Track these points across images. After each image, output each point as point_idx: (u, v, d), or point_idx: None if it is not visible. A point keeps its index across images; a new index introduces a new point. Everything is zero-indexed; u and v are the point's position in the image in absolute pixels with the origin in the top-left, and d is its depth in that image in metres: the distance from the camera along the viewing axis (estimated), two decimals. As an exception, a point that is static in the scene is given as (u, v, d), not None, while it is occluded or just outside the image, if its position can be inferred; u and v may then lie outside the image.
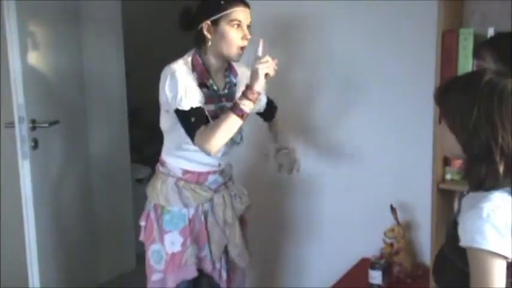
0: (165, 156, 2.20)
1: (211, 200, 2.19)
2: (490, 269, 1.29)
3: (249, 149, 2.64)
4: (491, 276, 1.29)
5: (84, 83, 3.29)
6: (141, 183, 3.91)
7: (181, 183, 2.14)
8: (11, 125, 2.81)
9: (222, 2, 1.99)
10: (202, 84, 2.06)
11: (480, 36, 2.06)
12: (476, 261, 1.31)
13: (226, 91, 2.14)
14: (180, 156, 2.14)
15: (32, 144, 2.73)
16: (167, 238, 2.15)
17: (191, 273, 2.17)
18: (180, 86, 1.97)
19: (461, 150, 1.39)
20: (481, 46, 1.86)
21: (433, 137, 2.09)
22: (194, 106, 1.98)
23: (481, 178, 1.35)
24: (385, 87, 2.52)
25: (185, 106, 1.97)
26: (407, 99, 2.47)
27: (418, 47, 2.38)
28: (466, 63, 2.03)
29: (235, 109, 1.94)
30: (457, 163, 2.09)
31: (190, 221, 2.16)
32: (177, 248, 2.15)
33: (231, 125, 1.95)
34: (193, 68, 2.05)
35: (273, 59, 1.95)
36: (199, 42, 2.08)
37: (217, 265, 2.24)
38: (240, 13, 2.01)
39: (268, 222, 2.90)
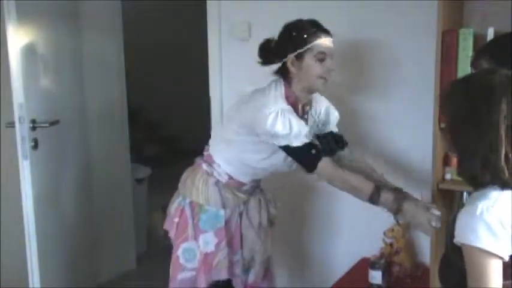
0: (218, 159, 2.16)
1: (246, 202, 2.21)
2: (484, 267, 1.29)
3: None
4: (485, 274, 1.29)
5: (84, 83, 3.29)
6: (141, 183, 3.92)
7: (221, 184, 2.15)
8: (11, 125, 2.81)
9: (305, 36, 1.97)
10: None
11: (480, 36, 2.07)
12: (470, 259, 1.31)
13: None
14: (237, 167, 2.14)
15: (32, 144, 2.73)
16: (202, 238, 2.15)
17: (223, 275, 2.18)
18: (294, 124, 1.95)
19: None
20: (476, 55, 1.86)
21: (433, 137, 2.09)
22: (308, 142, 1.99)
23: (474, 174, 1.37)
24: (384, 87, 2.52)
25: (299, 143, 1.97)
26: (407, 98, 2.47)
27: (418, 47, 2.38)
28: (466, 63, 2.03)
29: (375, 195, 1.93)
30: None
31: (226, 222, 2.17)
32: (211, 248, 2.16)
33: (357, 192, 1.99)
34: (287, 99, 2.03)
35: None
36: (284, 74, 2.05)
37: (245, 268, 2.26)
38: (323, 44, 1.99)
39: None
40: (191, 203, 2.17)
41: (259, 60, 2.07)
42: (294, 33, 2.00)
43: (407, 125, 2.49)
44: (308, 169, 2.00)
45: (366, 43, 2.53)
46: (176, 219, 2.20)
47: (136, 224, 3.74)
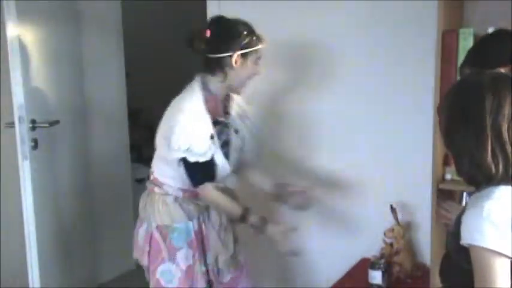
0: (162, 178, 2.18)
1: (208, 207, 2.22)
2: (491, 267, 1.29)
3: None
4: (492, 274, 1.29)
5: (84, 83, 3.30)
6: (141, 183, 3.92)
7: (180, 199, 2.16)
8: (11, 125, 2.81)
9: (254, 38, 2.05)
10: (215, 122, 2.08)
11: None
12: (477, 260, 1.31)
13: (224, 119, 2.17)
14: (185, 182, 2.14)
15: (32, 144, 2.73)
16: (179, 254, 2.15)
17: (203, 283, 2.19)
18: (192, 138, 1.98)
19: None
20: (461, 67, 1.87)
21: (433, 137, 2.09)
22: (201, 161, 2.01)
23: (470, 173, 1.39)
24: (385, 87, 2.52)
25: (192, 159, 2.01)
26: (408, 99, 2.47)
27: (418, 47, 2.38)
28: (466, 63, 2.03)
29: (244, 218, 2.10)
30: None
31: (195, 232, 2.18)
32: (189, 262, 2.16)
33: (228, 215, 2.20)
34: (206, 103, 2.05)
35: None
36: (214, 69, 2.07)
37: (215, 270, 2.25)
38: (262, 49, 2.07)
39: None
40: (157, 226, 2.17)
41: (208, 48, 2.05)
42: (245, 32, 2.04)
43: (407, 125, 2.49)
44: (193, 183, 2.09)
45: (365, 43, 2.53)
46: (147, 248, 2.19)
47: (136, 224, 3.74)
